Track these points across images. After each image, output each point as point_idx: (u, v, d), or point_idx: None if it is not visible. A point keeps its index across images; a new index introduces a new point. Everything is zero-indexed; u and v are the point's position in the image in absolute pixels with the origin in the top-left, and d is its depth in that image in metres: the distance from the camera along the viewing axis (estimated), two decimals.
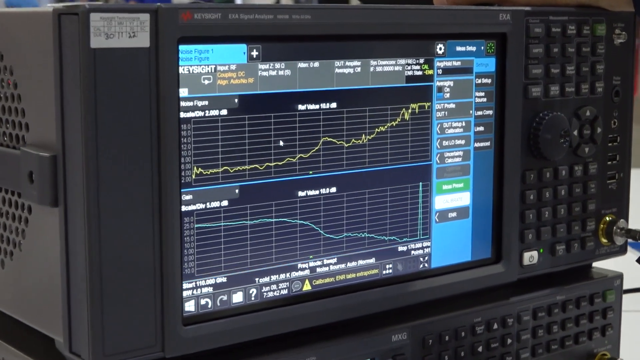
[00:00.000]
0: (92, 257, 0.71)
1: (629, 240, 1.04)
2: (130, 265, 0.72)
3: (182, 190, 0.75)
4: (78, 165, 0.71)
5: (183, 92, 0.75)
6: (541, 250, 0.98)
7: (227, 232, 0.78)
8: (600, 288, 1.03)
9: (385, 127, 0.86)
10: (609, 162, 1.02)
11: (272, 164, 0.80)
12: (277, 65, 0.79)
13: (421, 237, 0.90)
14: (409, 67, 0.87)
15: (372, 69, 0.85)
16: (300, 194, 0.82)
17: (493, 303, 0.95)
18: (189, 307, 0.77)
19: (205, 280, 0.78)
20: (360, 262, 0.86)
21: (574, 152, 0.99)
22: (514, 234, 0.95)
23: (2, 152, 0.79)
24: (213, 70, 0.76)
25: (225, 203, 0.78)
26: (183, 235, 0.76)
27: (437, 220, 0.91)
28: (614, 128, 1.02)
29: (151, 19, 0.71)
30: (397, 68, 0.86)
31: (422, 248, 0.90)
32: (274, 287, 0.81)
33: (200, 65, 0.75)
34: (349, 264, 0.86)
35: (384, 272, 0.88)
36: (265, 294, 0.81)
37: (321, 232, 0.83)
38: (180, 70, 0.74)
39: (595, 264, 1.06)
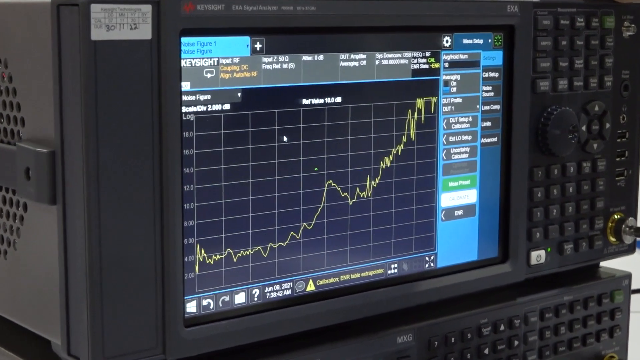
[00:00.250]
0: (92, 256, 0.71)
1: (638, 239, 1.05)
2: (131, 265, 0.73)
3: (183, 186, 0.75)
4: (78, 161, 0.71)
5: (185, 85, 0.75)
6: (549, 249, 0.99)
7: (228, 232, 0.79)
8: (608, 288, 1.04)
9: (391, 122, 0.87)
10: (618, 159, 1.03)
11: (276, 161, 0.80)
12: (281, 58, 0.80)
13: (427, 236, 0.91)
14: (415, 61, 0.88)
15: (377, 62, 0.85)
16: (304, 192, 0.82)
17: (500, 304, 0.96)
18: (191, 308, 0.78)
19: (207, 280, 0.78)
20: (365, 261, 0.87)
21: (582, 148, 1.00)
22: (522, 232, 0.96)
23: None
24: (216, 64, 0.77)
25: (227, 200, 0.78)
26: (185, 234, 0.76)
27: (443, 218, 0.92)
28: (623, 123, 1.03)
29: (153, 10, 0.72)
30: (403, 61, 0.87)
31: (428, 247, 0.91)
32: (277, 287, 0.82)
33: (203, 58, 0.76)
34: (353, 264, 0.86)
35: (389, 272, 0.89)
36: (268, 294, 0.82)
37: (325, 230, 0.84)
38: (182, 63, 0.75)
39: (603, 264, 1.07)
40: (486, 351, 0.94)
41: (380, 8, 0.84)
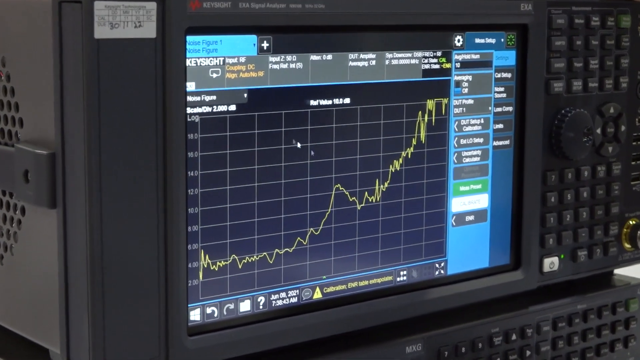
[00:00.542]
0: (93, 262, 0.72)
1: None
2: (133, 271, 0.73)
3: (188, 189, 0.76)
4: (79, 164, 0.71)
5: (190, 86, 0.76)
6: (562, 256, 0.99)
7: (233, 237, 0.79)
8: (622, 296, 1.05)
9: (401, 124, 0.87)
10: (634, 162, 1.04)
11: (283, 164, 0.81)
12: (289, 57, 0.80)
13: (437, 242, 0.91)
14: (426, 60, 0.89)
15: (387, 62, 0.86)
16: (311, 196, 0.83)
17: (511, 312, 0.96)
18: (194, 316, 0.78)
19: (211, 288, 0.79)
20: (373, 268, 0.88)
21: (596, 151, 1.00)
22: (534, 238, 0.97)
23: None
24: (222, 63, 0.77)
25: (232, 204, 0.79)
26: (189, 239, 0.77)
27: (454, 224, 0.93)
28: (639, 126, 1.04)
29: (158, 7, 0.72)
30: (413, 61, 0.88)
31: (438, 254, 0.92)
32: (283, 295, 0.83)
33: (208, 58, 0.76)
34: (361, 271, 0.87)
35: (398, 279, 0.89)
36: (274, 302, 0.82)
37: (333, 235, 0.84)
38: (188, 62, 0.75)
39: (617, 271, 1.08)
40: None
41: (391, 6, 0.85)
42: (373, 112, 0.86)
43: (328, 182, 0.84)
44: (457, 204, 0.93)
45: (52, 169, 0.73)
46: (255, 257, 0.81)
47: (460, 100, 0.91)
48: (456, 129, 0.92)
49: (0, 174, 0.79)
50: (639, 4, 1.02)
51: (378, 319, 0.88)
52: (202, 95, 0.76)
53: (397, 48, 0.87)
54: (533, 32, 0.94)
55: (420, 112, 0.89)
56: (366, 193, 0.86)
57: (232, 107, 0.78)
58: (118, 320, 0.73)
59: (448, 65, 0.90)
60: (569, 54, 0.97)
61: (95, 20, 0.70)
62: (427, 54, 0.89)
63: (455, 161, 0.92)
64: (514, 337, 0.96)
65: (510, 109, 0.95)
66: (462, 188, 0.93)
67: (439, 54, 0.89)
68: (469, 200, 0.93)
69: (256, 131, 0.79)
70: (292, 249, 0.83)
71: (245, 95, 0.79)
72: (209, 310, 0.79)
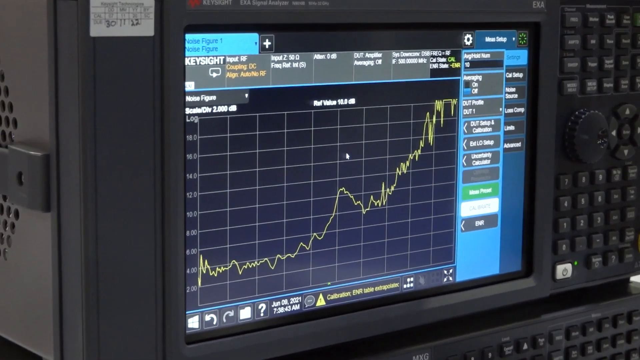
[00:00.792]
0: (88, 267, 0.72)
1: None
2: (129, 277, 0.73)
3: (186, 193, 0.76)
4: (74, 166, 0.72)
5: (189, 85, 0.76)
6: (575, 263, 0.99)
7: (233, 242, 0.79)
8: (639, 305, 1.04)
9: (408, 126, 0.87)
10: None
11: (285, 167, 0.81)
12: (292, 56, 0.80)
13: (445, 248, 0.91)
14: (434, 60, 0.89)
15: (394, 61, 0.86)
16: (314, 200, 0.83)
17: (523, 321, 0.96)
18: (193, 323, 0.78)
19: (210, 294, 0.79)
20: (379, 275, 0.87)
21: (612, 154, 1.00)
22: (547, 244, 0.97)
23: None
24: (222, 62, 0.77)
25: (233, 208, 0.79)
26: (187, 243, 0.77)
27: (463, 229, 0.92)
28: None
29: (156, 5, 0.72)
30: (421, 60, 0.88)
31: (446, 260, 0.92)
32: (285, 302, 0.83)
33: (208, 57, 0.77)
34: (366, 277, 0.87)
35: (405, 286, 0.89)
36: (275, 309, 0.82)
37: (337, 241, 0.84)
38: (187, 61, 0.75)
39: (633, 278, 1.08)
40: None
41: (398, 4, 0.85)
42: (379, 113, 0.86)
43: (332, 185, 0.84)
44: (467, 209, 0.92)
45: (46, 171, 0.73)
46: (256, 262, 0.81)
47: (470, 101, 0.91)
48: (465, 131, 0.91)
49: None
50: None
51: (384, 328, 0.88)
52: (202, 95, 0.77)
53: (404, 47, 0.87)
54: (545, 30, 0.94)
55: (428, 113, 0.89)
56: (372, 197, 0.86)
57: (233, 108, 0.78)
58: (113, 328, 0.73)
59: (457, 65, 0.90)
60: (583, 53, 0.97)
61: (91, 18, 0.70)
62: (435, 53, 0.89)
63: (465, 164, 0.92)
64: (525, 346, 0.96)
65: (522, 110, 0.95)
66: (471, 192, 0.93)
67: (447, 53, 0.89)
68: (478, 204, 0.93)
69: (257, 132, 0.79)
70: (294, 254, 0.83)
71: (247, 95, 0.79)
72: (207, 318, 0.79)
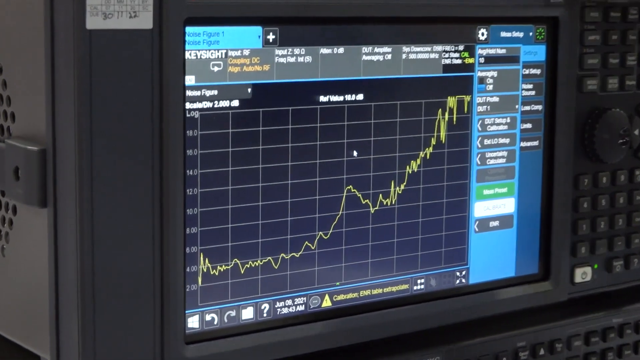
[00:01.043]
0: (84, 264, 0.72)
1: None
2: (127, 274, 0.74)
3: (186, 189, 0.76)
4: (70, 161, 0.72)
5: (189, 80, 0.76)
6: (595, 266, 0.98)
7: (235, 240, 0.79)
8: None
9: (419, 123, 0.87)
10: None
11: (289, 164, 0.81)
12: (297, 50, 0.80)
13: (458, 249, 0.91)
14: (447, 55, 0.88)
15: (404, 56, 0.86)
16: (320, 198, 0.83)
17: (539, 325, 0.96)
18: (192, 323, 0.78)
19: (211, 293, 0.79)
20: (388, 276, 0.87)
21: (634, 154, 0.99)
22: (565, 247, 0.96)
23: None
24: (224, 56, 0.77)
25: (235, 205, 0.79)
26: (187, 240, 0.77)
27: (477, 229, 0.92)
28: None
29: None
30: (433, 56, 0.87)
31: (459, 261, 0.91)
32: (289, 302, 0.83)
33: (210, 50, 0.77)
34: (375, 278, 0.87)
35: (415, 287, 0.89)
36: (279, 310, 0.82)
37: (344, 240, 0.84)
38: (187, 55, 0.75)
39: None
40: None
41: None
42: (388, 110, 0.86)
43: (339, 183, 0.84)
44: (481, 209, 0.92)
45: (42, 167, 0.74)
46: (259, 261, 0.81)
47: (485, 98, 0.91)
48: (480, 129, 0.91)
49: None
50: None
51: (392, 330, 0.87)
52: (203, 90, 0.77)
53: (415, 41, 0.86)
54: (564, 25, 0.93)
55: (440, 109, 0.88)
56: (380, 195, 0.86)
57: (235, 103, 0.78)
58: (110, 327, 0.73)
59: (471, 60, 0.90)
60: (604, 49, 0.96)
61: (87, 10, 0.70)
62: (447, 48, 0.88)
63: (479, 162, 0.91)
64: (541, 352, 0.95)
65: (540, 107, 0.94)
66: (485, 192, 0.92)
67: (460, 48, 0.89)
68: (493, 204, 0.93)
69: (261, 128, 0.79)
70: (299, 253, 0.82)
71: (249, 90, 0.79)
72: (208, 317, 0.79)
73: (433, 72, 0.88)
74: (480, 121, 0.91)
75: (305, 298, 0.84)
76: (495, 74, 0.91)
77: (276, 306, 0.82)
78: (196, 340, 0.78)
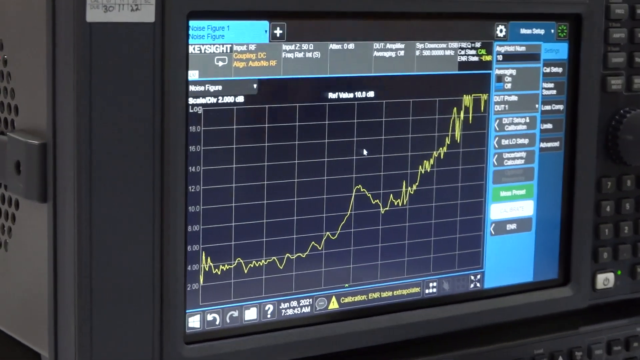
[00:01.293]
0: (82, 261, 0.73)
1: None
2: (126, 272, 0.74)
3: (188, 186, 0.77)
4: (69, 155, 0.73)
5: (192, 74, 0.77)
6: (619, 272, 0.98)
7: (239, 239, 0.80)
8: None
9: (432, 121, 0.87)
10: None
11: (296, 162, 0.81)
12: (305, 46, 0.81)
13: (473, 252, 0.91)
14: (463, 52, 0.88)
15: (418, 52, 0.86)
16: (328, 197, 0.83)
17: (558, 332, 0.95)
18: (193, 323, 0.79)
19: (213, 293, 0.79)
20: (399, 278, 0.87)
21: None
22: (586, 252, 0.95)
23: None
24: (229, 51, 0.78)
25: (238, 203, 0.80)
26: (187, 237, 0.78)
27: (493, 232, 0.92)
28: None
29: None
30: (448, 52, 0.87)
31: (474, 265, 0.91)
32: (294, 303, 0.83)
33: (214, 44, 0.77)
34: (384, 281, 0.87)
35: (427, 291, 0.89)
36: (283, 311, 0.83)
37: (352, 241, 0.85)
38: (190, 49, 0.76)
39: None
40: None
41: None
42: (401, 108, 0.86)
43: (347, 182, 0.84)
44: (497, 211, 0.92)
45: (43, 161, 0.75)
46: (263, 261, 0.81)
47: (502, 97, 0.91)
48: (497, 128, 0.91)
49: None
50: None
51: (402, 334, 0.87)
52: (206, 85, 0.77)
53: (429, 38, 0.86)
54: (588, 22, 0.93)
55: (455, 108, 0.88)
56: (391, 196, 0.86)
57: (240, 99, 0.79)
58: (107, 326, 0.74)
59: (488, 58, 0.89)
60: (629, 47, 0.95)
61: (88, 2, 0.71)
62: (464, 44, 0.88)
63: (496, 163, 0.91)
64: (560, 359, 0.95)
65: (561, 107, 0.94)
66: (502, 193, 0.92)
67: (477, 45, 0.89)
68: (510, 207, 0.93)
69: (267, 125, 0.80)
70: (305, 254, 0.83)
71: (255, 85, 0.79)
72: (209, 317, 0.80)
73: (448, 69, 0.88)
74: (497, 120, 0.91)
75: (311, 299, 0.84)
76: (514, 72, 0.91)
77: (281, 307, 0.83)
78: (197, 340, 0.79)
